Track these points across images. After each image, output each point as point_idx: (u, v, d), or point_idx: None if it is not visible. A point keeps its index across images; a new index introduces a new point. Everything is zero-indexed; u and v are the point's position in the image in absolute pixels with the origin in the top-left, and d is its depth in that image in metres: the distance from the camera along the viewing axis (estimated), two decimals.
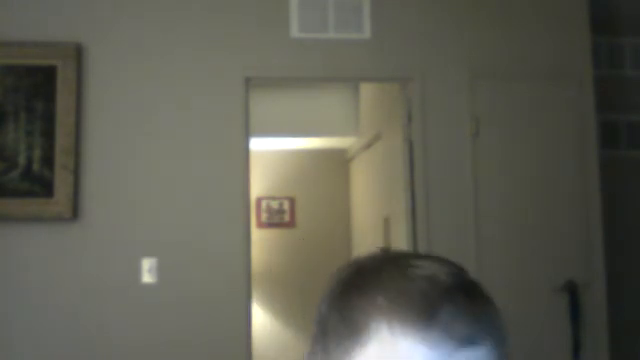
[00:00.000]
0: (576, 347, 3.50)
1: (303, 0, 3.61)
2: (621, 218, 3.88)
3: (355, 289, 0.65)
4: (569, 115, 3.69)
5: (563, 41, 3.75)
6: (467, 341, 0.60)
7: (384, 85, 4.42)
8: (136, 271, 3.35)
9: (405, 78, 3.71)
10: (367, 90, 5.21)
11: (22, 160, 3.32)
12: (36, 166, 3.32)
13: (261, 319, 5.75)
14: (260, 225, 6.09)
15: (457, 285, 0.64)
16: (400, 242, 3.91)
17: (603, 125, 3.93)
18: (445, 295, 0.62)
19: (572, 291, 3.53)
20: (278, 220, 6.17)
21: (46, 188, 3.30)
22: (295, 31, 3.60)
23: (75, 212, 3.33)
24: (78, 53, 3.41)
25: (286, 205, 6.19)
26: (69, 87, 3.37)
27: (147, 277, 3.35)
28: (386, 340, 0.61)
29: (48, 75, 3.36)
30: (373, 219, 5.00)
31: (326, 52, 3.62)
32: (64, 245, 3.34)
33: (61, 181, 3.31)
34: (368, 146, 5.22)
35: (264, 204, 6.15)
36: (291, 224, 6.17)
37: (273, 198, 6.17)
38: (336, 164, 6.20)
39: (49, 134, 3.33)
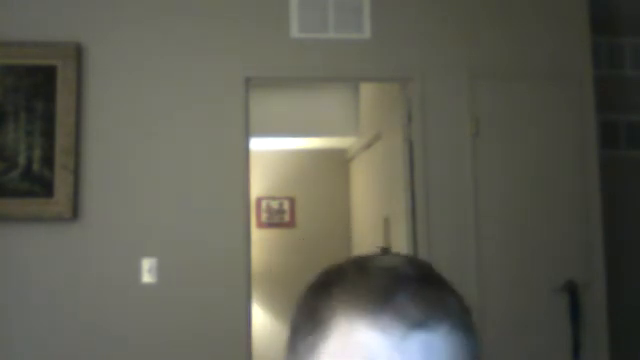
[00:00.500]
0: (576, 347, 3.50)
1: (303, 0, 3.61)
2: (621, 218, 3.88)
3: (319, 290, 0.67)
4: (569, 115, 3.69)
5: (563, 41, 3.75)
6: (420, 325, 0.61)
7: (384, 85, 4.42)
8: (136, 271, 3.35)
9: (405, 78, 3.71)
10: (367, 90, 5.21)
11: (22, 160, 3.32)
12: (36, 166, 3.32)
13: (261, 319, 5.75)
14: (260, 225, 6.09)
15: (414, 274, 0.65)
16: (400, 242, 3.91)
17: (603, 125, 3.93)
18: (400, 282, 0.63)
19: (572, 291, 3.53)
20: (278, 220, 6.17)
21: (46, 188, 3.30)
22: (295, 31, 3.60)
23: (75, 212, 3.33)
24: (78, 53, 3.41)
25: (286, 205, 6.19)
26: (69, 87, 3.37)
27: (147, 277, 3.35)
28: (344, 331, 0.62)
29: (48, 75, 3.36)
30: (373, 219, 5.00)
31: (326, 52, 3.62)
32: (64, 245, 3.34)
33: (61, 181, 3.31)
34: (368, 146, 5.22)
35: (264, 204, 6.15)
36: (291, 224, 6.17)
37: (273, 198, 6.17)
38: (336, 164, 6.20)
39: (49, 134, 3.33)
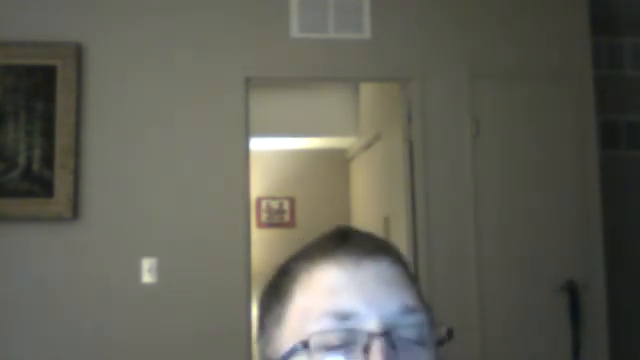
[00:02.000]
0: (576, 347, 3.50)
1: (303, 0, 3.61)
2: (621, 218, 3.88)
3: (277, 272, 0.76)
4: (569, 115, 3.69)
5: (563, 41, 3.75)
6: (366, 255, 0.70)
7: (384, 85, 4.42)
8: (136, 271, 3.35)
9: (405, 78, 3.71)
10: (367, 90, 5.21)
11: (22, 160, 3.32)
12: (36, 166, 3.32)
13: None
14: (260, 225, 6.09)
15: (352, 230, 0.76)
16: (400, 242, 3.91)
17: (603, 125, 3.92)
18: (342, 236, 0.74)
19: (572, 291, 3.53)
20: (278, 220, 6.17)
21: (46, 188, 3.30)
22: (295, 31, 3.60)
23: (75, 212, 3.33)
24: (78, 53, 3.41)
25: (286, 205, 6.19)
26: (69, 87, 3.37)
27: (147, 277, 3.35)
28: (305, 281, 0.71)
29: (48, 75, 3.36)
30: (373, 219, 5.00)
31: (326, 52, 3.62)
32: (64, 245, 3.33)
33: (61, 181, 3.31)
34: (368, 146, 5.22)
35: (264, 204, 6.15)
36: (291, 224, 6.17)
37: (273, 198, 6.17)
38: (336, 164, 6.20)
39: (49, 134, 3.33)
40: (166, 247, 3.39)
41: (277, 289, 0.73)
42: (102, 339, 3.29)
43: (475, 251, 3.52)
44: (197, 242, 3.41)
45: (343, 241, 0.72)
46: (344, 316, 0.66)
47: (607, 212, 3.70)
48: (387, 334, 0.65)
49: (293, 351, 0.67)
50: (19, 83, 3.35)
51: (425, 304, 0.71)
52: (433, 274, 3.48)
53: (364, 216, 5.51)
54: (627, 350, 3.72)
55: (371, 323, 0.66)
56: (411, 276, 0.73)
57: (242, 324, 3.39)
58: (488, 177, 3.59)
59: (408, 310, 0.68)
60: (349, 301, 0.67)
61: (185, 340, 3.33)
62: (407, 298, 0.69)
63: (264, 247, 5.97)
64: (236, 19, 3.58)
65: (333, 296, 0.68)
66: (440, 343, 0.69)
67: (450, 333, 0.70)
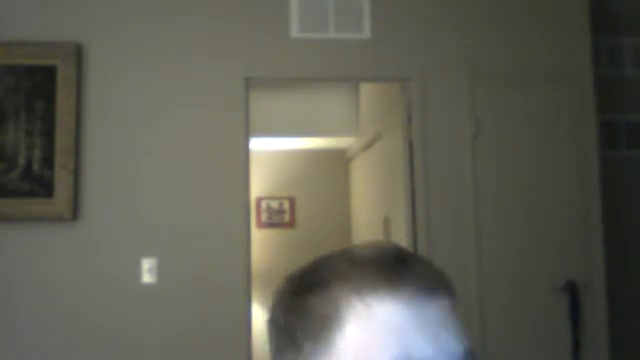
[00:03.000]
0: (576, 347, 3.50)
1: (303, 0, 3.61)
2: (621, 218, 3.88)
3: (308, 288, 0.66)
4: (569, 115, 3.69)
5: (563, 41, 3.75)
6: (433, 292, 0.64)
7: (384, 85, 4.42)
8: (136, 271, 3.35)
9: (405, 78, 3.71)
10: (367, 90, 5.21)
11: (22, 160, 3.32)
12: (36, 166, 3.32)
13: (261, 319, 5.75)
14: (260, 225, 6.09)
15: (403, 253, 0.68)
16: (400, 242, 3.91)
17: (603, 125, 3.92)
18: (397, 261, 0.65)
19: (572, 291, 3.53)
20: (278, 220, 6.17)
21: (46, 188, 3.30)
22: (295, 31, 3.60)
23: (75, 212, 3.33)
24: (78, 53, 3.41)
25: (286, 205, 6.19)
26: (69, 87, 3.37)
27: (147, 277, 3.35)
28: (362, 314, 0.62)
29: (48, 75, 3.36)
30: (373, 219, 5.00)
31: (326, 52, 3.62)
32: (64, 245, 3.34)
33: (61, 181, 3.31)
34: (368, 146, 5.22)
35: (264, 204, 6.15)
36: (291, 224, 6.17)
37: (273, 198, 6.17)
38: (336, 164, 6.20)
39: (49, 134, 3.33)
40: (166, 247, 3.39)
41: (316, 312, 0.64)
42: (102, 339, 3.29)
43: (475, 251, 3.52)
44: (197, 242, 3.41)
45: (404, 269, 0.65)
46: None
47: (607, 212, 3.70)
48: None
49: None
50: (19, 83, 3.35)
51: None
52: None
53: (364, 216, 5.51)
54: (627, 350, 3.72)
55: None
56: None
57: (242, 324, 3.39)
58: (488, 177, 3.59)
59: (469, 354, 0.65)
60: (417, 343, 0.61)
61: (185, 340, 3.33)
62: (466, 340, 0.66)
63: (264, 247, 5.97)
64: (236, 19, 3.58)
65: (398, 336, 0.61)
66: None
67: None
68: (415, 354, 0.61)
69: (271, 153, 6.09)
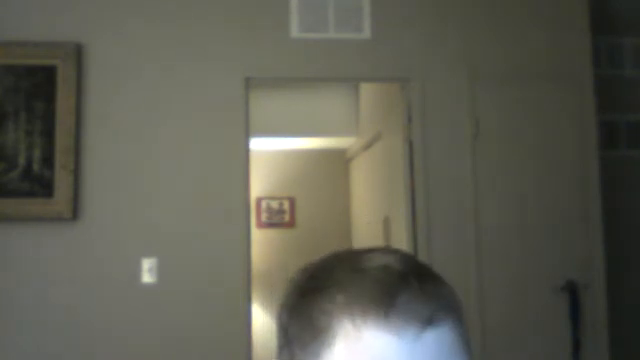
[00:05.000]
0: (576, 347, 3.50)
1: (303, 0, 3.61)
2: (621, 218, 3.88)
3: (311, 292, 0.64)
4: (569, 115, 3.69)
5: (563, 41, 3.75)
6: (428, 322, 0.60)
7: (384, 85, 4.42)
8: (136, 271, 3.35)
9: (405, 78, 3.71)
10: (367, 90, 5.21)
11: (22, 160, 3.32)
12: (36, 166, 3.32)
13: (261, 319, 5.75)
14: (260, 225, 6.09)
15: (409, 270, 0.63)
16: (400, 242, 3.91)
17: (603, 125, 3.93)
18: (399, 281, 0.61)
19: (572, 291, 3.53)
20: (278, 220, 6.17)
21: (46, 188, 3.30)
22: (295, 31, 3.60)
23: (75, 212, 3.33)
24: (78, 53, 3.41)
25: (286, 205, 6.19)
26: (69, 87, 3.37)
27: (147, 277, 3.35)
28: (351, 335, 0.60)
29: (48, 75, 3.36)
30: (373, 219, 5.00)
31: (326, 52, 3.62)
32: (64, 245, 3.34)
33: (61, 181, 3.31)
34: (368, 146, 5.22)
35: (264, 204, 6.15)
36: (291, 224, 6.17)
37: (273, 198, 6.17)
38: (336, 164, 6.20)
39: (49, 134, 3.33)
40: (166, 247, 3.39)
41: (312, 322, 0.63)
42: (102, 339, 3.29)
43: (475, 251, 3.52)
44: (197, 242, 3.41)
45: (405, 291, 0.61)
46: None
47: (607, 212, 3.70)
48: None
49: None
50: (19, 83, 3.35)
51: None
52: None
53: (364, 216, 5.51)
54: (627, 350, 3.72)
55: None
56: (467, 335, 0.65)
57: (242, 324, 3.39)
58: (488, 177, 3.59)
59: None
60: None
61: (185, 340, 3.33)
62: None
63: (264, 247, 5.97)
64: (236, 19, 3.59)
65: None
66: None
67: None
68: None
69: (271, 153, 6.09)
